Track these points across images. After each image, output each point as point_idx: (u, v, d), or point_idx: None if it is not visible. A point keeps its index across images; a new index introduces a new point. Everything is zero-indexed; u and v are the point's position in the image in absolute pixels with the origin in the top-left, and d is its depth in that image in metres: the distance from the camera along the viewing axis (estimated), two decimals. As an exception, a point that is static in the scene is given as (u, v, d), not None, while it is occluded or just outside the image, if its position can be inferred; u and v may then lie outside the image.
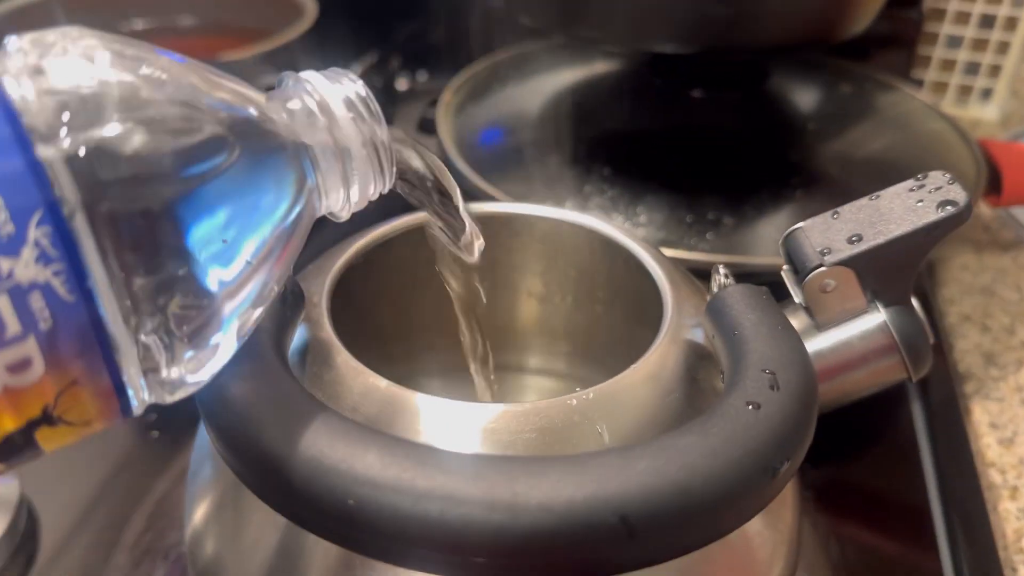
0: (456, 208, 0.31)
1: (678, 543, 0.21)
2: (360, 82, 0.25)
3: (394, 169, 0.25)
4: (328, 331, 0.30)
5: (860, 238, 0.29)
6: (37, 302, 0.18)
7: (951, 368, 0.50)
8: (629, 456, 0.21)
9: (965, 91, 0.76)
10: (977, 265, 0.57)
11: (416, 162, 0.29)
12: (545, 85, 0.64)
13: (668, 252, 0.44)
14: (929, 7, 0.71)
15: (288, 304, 0.28)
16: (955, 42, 0.73)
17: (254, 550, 0.28)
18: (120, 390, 0.20)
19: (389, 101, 0.73)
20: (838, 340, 0.32)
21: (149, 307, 0.19)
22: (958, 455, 0.46)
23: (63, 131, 0.17)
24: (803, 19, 0.48)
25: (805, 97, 0.64)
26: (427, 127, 0.61)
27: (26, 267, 0.17)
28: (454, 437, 0.26)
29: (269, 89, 0.24)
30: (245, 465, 0.22)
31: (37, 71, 0.18)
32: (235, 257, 0.20)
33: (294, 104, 0.23)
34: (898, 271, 0.30)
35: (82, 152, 0.17)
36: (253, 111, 0.22)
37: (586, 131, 0.57)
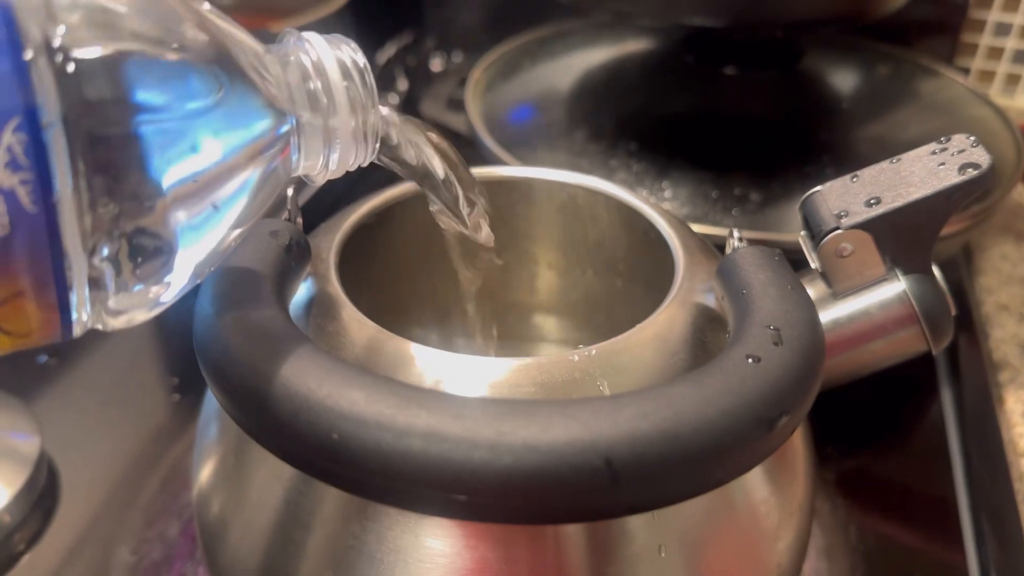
0: (456, 198, 0.31)
1: (664, 491, 0.21)
2: (360, 52, 0.24)
3: (377, 144, 0.25)
4: (335, 285, 0.30)
5: (879, 201, 0.29)
6: None
7: (985, 357, 0.48)
8: (618, 402, 0.21)
9: (1013, 80, 0.74)
10: (1016, 255, 0.55)
11: (425, 148, 0.29)
12: (576, 63, 0.63)
13: (693, 227, 0.44)
14: (976, -7, 0.70)
15: (292, 255, 0.28)
16: (1003, 29, 0.71)
17: (258, 507, 0.28)
18: (64, 309, 0.19)
19: (423, 81, 0.73)
20: (856, 309, 0.31)
21: (108, 233, 0.19)
22: (988, 444, 0.44)
23: (56, 42, 0.17)
24: (834, -7, 0.47)
25: (840, 78, 0.63)
26: (456, 106, 0.61)
27: None
28: (455, 390, 0.26)
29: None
30: (234, 400, 0.22)
31: None
32: (203, 200, 0.20)
33: (290, 60, 0.23)
34: (918, 237, 0.29)
35: (71, 67, 0.17)
36: (249, 59, 0.22)
37: (615, 108, 0.57)
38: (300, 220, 0.31)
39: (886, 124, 0.57)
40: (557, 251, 0.40)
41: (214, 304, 0.24)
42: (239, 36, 0.22)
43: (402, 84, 0.74)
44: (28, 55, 0.17)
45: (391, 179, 0.32)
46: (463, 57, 0.77)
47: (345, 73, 0.24)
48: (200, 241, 0.21)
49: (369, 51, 0.72)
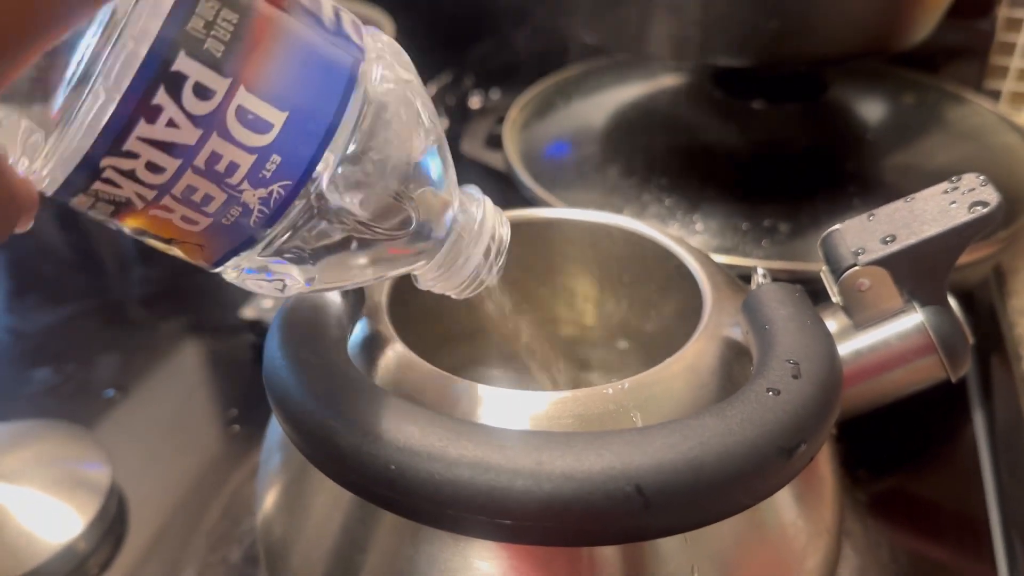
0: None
1: (692, 515, 0.23)
2: (508, 231, 0.29)
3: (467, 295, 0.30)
4: (387, 325, 0.32)
5: (894, 238, 0.30)
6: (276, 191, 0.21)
7: (1018, 378, 0.49)
8: (648, 433, 0.23)
9: (1045, 103, 0.74)
10: (1049, 277, 0.56)
11: None
12: (609, 100, 0.66)
13: (722, 258, 0.45)
14: (1005, 17, 0.70)
15: (349, 298, 0.31)
16: (1034, 53, 0.72)
17: (319, 531, 0.30)
18: (224, 259, 0.23)
19: (462, 118, 0.76)
20: (876, 340, 0.32)
21: (299, 238, 0.23)
22: (1021, 464, 0.45)
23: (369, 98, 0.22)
24: (855, 31, 0.49)
25: (867, 108, 0.64)
26: (494, 142, 0.64)
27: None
28: (499, 422, 0.28)
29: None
30: (300, 434, 0.24)
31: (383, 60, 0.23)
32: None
33: (472, 206, 0.28)
34: (933, 271, 0.31)
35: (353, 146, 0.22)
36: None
37: (646, 143, 0.59)
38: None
39: (913, 152, 0.58)
40: (592, 286, 0.42)
41: (282, 345, 0.27)
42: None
43: (443, 123, 0.77)
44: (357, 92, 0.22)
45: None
46: (500, 95, 0.80)
47: (487, 252, 0.28)
48: (331, 270, 0.24)
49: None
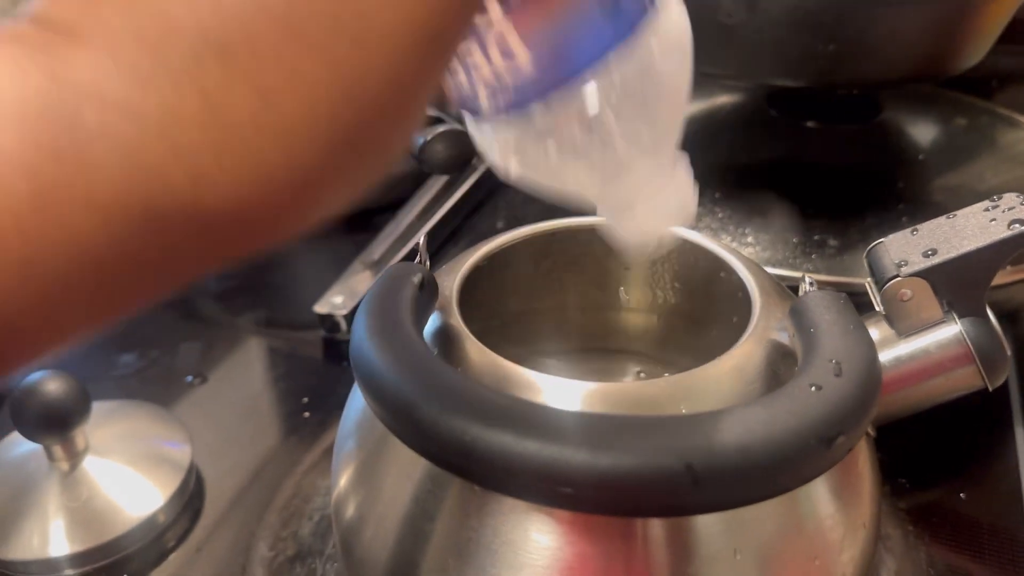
0: None
1: (738, 495, 0.25)
2: None
3: None
4: (457, 318, 0.35)
5: (935, 252, 0.32)
6: None
7: (1061, 397, 0.50)
8: (699, 418, 0.25)
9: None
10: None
11: None
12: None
13: (772, 271, 0.47)
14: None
15: (425, 292, 0.34)
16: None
17: (391, 504, 0.33)
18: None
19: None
20: (916, 348, 0.34)
21: None
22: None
23: None
24: (909, 55, 0.51)
25: (918, 130, 0.66)
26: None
27: None
28: (556, 407, 0.31)
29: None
30: (386, 409, 0.27)
31: None
32: None
33: None
34: (972, 283, 0.33)
35: None
36: None
37: (702, 157, 0.60)
38: (428, 263, 0.36)
39: (963, 175, 0.60)
40: (647, 290, 0.45)
41: (368, 332, 0.30)
42: None
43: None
44: None
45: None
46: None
47: None
48: None
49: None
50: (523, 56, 0.23)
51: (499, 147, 0.26)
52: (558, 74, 0.23)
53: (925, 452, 0.48)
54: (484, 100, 0.24)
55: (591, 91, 0.24)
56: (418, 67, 0.18)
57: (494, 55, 0.23)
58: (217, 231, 0.18)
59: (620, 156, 0.26)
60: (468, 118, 0.26)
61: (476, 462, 0.25)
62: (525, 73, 0.23)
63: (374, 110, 0.18)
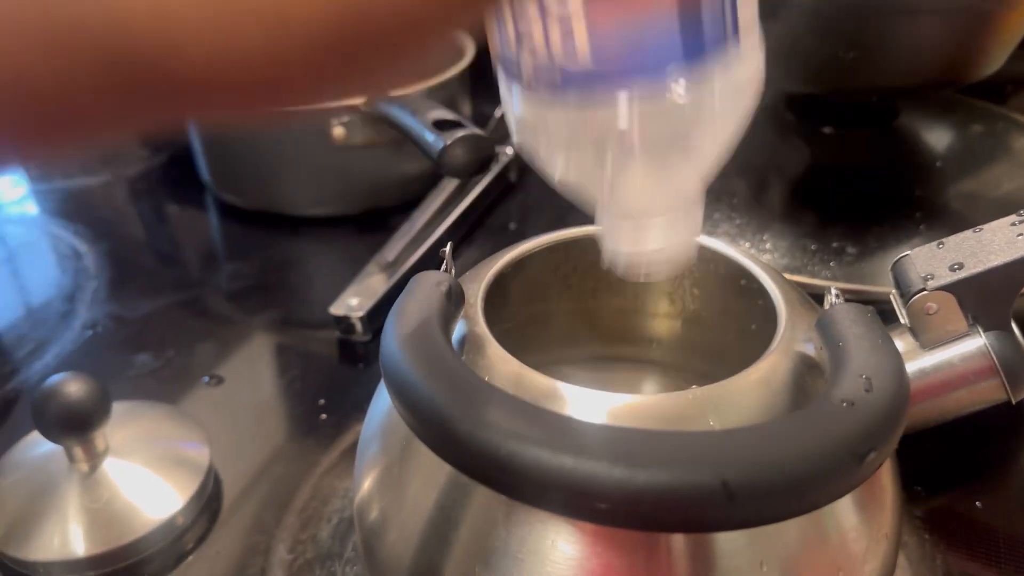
0: None
1: (772, 510, 0.25)
2: None
3: None
4: (482, 326, 0.35)
5: (961, 266, 0.32)
6: None
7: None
8: (734, 435, 0.25)
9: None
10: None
11: None
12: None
13: (790, 278, 0.47)
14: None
15: (452, 301, 0.34)
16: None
17: (415, 509, 0.33)
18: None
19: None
20: (941, 360, 0.34)
21: None
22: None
23: None
24: (928, 63, 0.51)
25: (935, 136, 0.66)
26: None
27: None
28: (583, 418, 0.31)
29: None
30: (423, 424, 0.27)
31: None
32: None
33: None
34: (997, 298, 0.33)
35: None
36: None
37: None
38: (454, 271, 0.36)
39: (979, 181, 0.60)
40: (668, 300, 0.45)
41: (397, 340, 0.30)
42: None
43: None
44: None
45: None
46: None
47: None
48: None
49: (489, 108, 0.79)
50: (583, 43, 0.22)
51: (520, 116, 0.25)
52: (611, 72, 0.22)
53: (941, 460, 0.48)
54: (526, 69, 0.24)
55: (628, 101, 0.23)
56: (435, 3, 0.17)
57: (553, 31, 0.22)
58: (179, 95, 0.17)
59: (638, 176, 0.26)
60: (500, 74, 0.26)
61: (511, 475, 0.25)
62: (579, 60, 0.22)
63: (378, 31, 0.17)
